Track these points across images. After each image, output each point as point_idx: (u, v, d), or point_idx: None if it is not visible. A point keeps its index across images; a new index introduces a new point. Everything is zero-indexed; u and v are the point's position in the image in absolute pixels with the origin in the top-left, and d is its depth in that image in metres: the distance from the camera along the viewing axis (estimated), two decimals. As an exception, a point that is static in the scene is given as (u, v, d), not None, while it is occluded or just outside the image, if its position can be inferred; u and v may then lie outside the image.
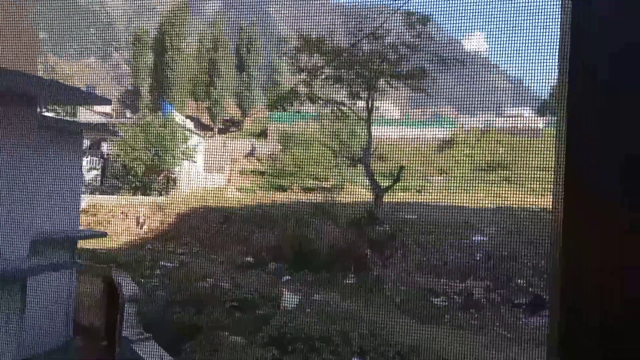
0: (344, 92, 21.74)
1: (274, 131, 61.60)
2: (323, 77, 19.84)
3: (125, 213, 23.67)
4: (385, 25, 19.80)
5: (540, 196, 41.60)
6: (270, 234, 19.84)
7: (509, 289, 13.55)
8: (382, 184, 25.95)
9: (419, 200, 34.63)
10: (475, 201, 35.89)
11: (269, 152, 55.09)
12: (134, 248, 19.91)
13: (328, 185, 46.58)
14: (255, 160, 55.26)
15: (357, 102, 22.63)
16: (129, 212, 23.73)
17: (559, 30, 1.17)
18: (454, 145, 60.72)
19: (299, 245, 17.92)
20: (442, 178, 49.03)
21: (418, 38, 20.03)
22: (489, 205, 31.31)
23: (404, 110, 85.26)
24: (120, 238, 21.58)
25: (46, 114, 23.16)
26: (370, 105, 20.46)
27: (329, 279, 14.84)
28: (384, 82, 21.14)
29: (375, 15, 20.56)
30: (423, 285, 14.34)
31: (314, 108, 62.97)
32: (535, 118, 77.81)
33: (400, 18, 19.88)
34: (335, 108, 21.39)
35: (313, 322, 9.74)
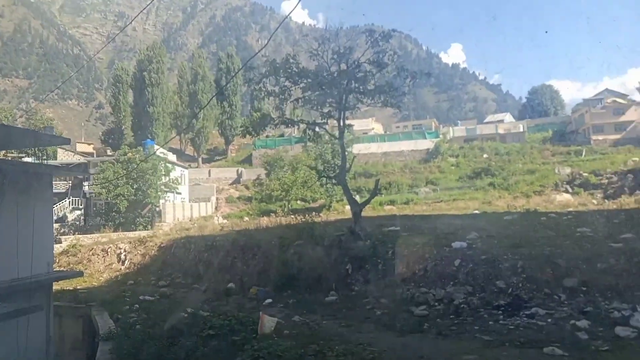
0: (315, 114, 21.96)
1: (259, 157, 61.77)
2: (292, 99, 20.01)
3: (106, 250, 23.50)
4: (349, 44, 20.15)
5: (526, 198, 41.66)
6: (253, 259, 19.77)
7: (489, 292, 13.53)
8: (364, 199, 26.02)
9: (405, 212, 34.75)
10: (461, 208, 36.09)
11: (255, 178, 55.27)
12: (116, 284, 19.72)
13: (316, 205, 46.63)
14: (242, 187, 55.28)
15: (331, 121, 22.78)
16: (110, 249, 23.56)
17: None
18: (439, 156, 61.23)
19: (282, 269, 17.86)
20: (428, 189, 49.27)
21: (383, 54, 20.36)
22: (474, 212, 31.45)
23: (387, 126, 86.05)
24: (102, 276, 21.39)
25: (26, 159, 23.11)
26: (342, 124, 20.64)
27: (310, 300, 14.77)
28: (354, 100, 21.33)
29: (341, 36, 20.92)
30: (404, 297, 14.30)
31: (295, 132, 63.12)
32: (517, 123, 78.52)
33: (364, 36, 20.28)
34: (308, 130, 21.51)
35: (290, 345, 9.66)
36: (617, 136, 57.37)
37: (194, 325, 11.76)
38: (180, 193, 44.39)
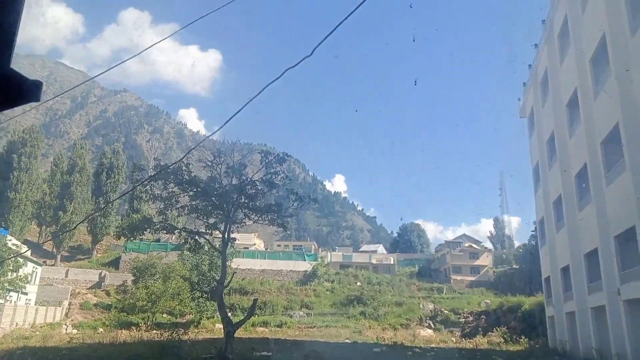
0: (200, 223, 21.58)
1: (128, 261, 57.29)
2: (179, 206, 19.59)
3: None
4: (243, 161, 20.85)
5: (393, 330, 42.93)
6: (103, 379, 17.35)
7: None
8: (237, 318, 24.93)
9: (278, 336, 33.72)
10: (333, 336, 36.06)
11: (120, 284, 50.50)
12: None
13: (183, 321, 43.33)
14: (103, 293, 49.90)
15: (215, 233, 22.47)
16: None
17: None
18: (315, 279, 61.90)
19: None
20: (302, 312, 48.81)
21: (276, 175, 21.26)
22: (345, 340, 31.56)
23: (268, 243, 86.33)
24: None
25: None
26: (227, 237, 20.43)
27: None
28: (242, 215, 21.53)
29: (236, 152, 21.64)
30: None
31: (173, 239, 60.33)
32: (388, 255, 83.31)
33: (259, 157, 21.20)
34: (190, 239, 20.87)
35: None
36: (473, 278, 63.58)
37: None
38: (26, 293, 38.76)
